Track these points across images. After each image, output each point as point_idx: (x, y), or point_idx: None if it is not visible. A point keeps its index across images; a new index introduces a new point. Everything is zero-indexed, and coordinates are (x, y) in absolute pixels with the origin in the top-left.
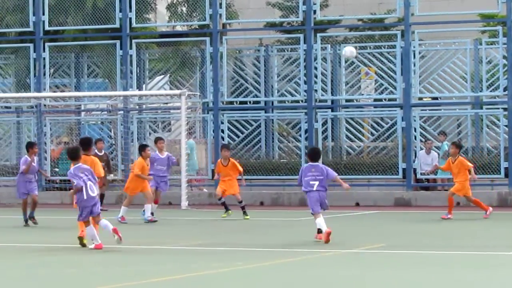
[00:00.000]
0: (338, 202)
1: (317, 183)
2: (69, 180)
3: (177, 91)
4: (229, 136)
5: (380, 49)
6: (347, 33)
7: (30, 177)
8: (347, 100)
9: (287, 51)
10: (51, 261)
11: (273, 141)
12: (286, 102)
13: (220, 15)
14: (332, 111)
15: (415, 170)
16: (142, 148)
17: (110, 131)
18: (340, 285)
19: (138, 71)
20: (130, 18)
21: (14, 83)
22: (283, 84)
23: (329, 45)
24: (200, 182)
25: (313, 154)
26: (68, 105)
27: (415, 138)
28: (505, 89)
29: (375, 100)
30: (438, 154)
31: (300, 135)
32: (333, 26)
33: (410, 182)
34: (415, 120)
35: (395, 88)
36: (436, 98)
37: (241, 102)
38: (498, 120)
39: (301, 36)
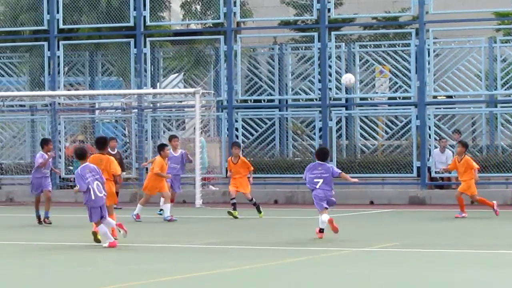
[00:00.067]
0: (353, 201)
1: (321, 181)
2: None
3: (191, 89)
4: (243, 135)
5: (394, 48)
6: (362, 31)
7: (46, 172)
8: (361, 99)
9: (301, 49)
10: (65, 259)
11: (287, 140)
12: (300, 100)
13: (234, 13)
14: (346, 109)
15: (429, 168)
16: (162, 147)
17: (124, 129)
18: (352, 284)
19: (152, 69)
20: (144, 17)
21: (28, 81)
22: (297, 82)
23: (343, 43)
24: (210, 180)
25: (321, 154)
26: (82, 104)
27: (430, 137)
28: None
29: (390, 98)
30: (453, 153)
31: (314, 134)
32: (347, 24)
33: (425, 180)
34: (429, 119)
35: (409, 86)
36: (450, 97)
37: (255, 101)
38: None
39: (315, 34)
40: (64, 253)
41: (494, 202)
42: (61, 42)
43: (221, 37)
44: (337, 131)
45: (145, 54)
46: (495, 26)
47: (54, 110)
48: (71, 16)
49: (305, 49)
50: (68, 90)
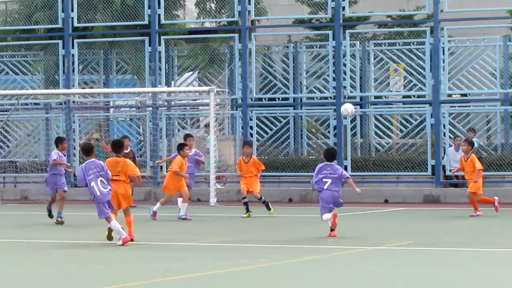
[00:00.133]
0: (367, 199)
1: (329, 181)
2: None
3: (205, 88)
4: (257, 133)
5: (409, 46)
6: (376, 30)
7: (61, 169)
8: (376, 97)
9: (316, 47)
10: (79, 258)
11: (301, 138)
12: (315, 98)
13: (249, 11)
14: (361, 107)
15: (444, 167)
16: (181, 147)
17: (139, 127)
18: (367, 282)
19: (166, 68)
20: (159, 15)
21: (43, 79)
22: (312, 80)
23: (358, 42)
24: (220, 179)
25: (329, 155)
26: (97, 102)
27: (444, 135)
28: None
29: (404, 96)
30: None
31: (329, 132)
32: (362, 22)
33: (439, 179)
34: (444, 117)
35: (424, 84)
36: (465, 95)
37: (269, 99)
38: None
39: (330, 32)
40: (78, 251)
41: (496, 198)
42: (75, 41)
43: (236, 35)
44: (351, 129)
45: (159, 52)
46: (510, 24)
47: (68, 108)
48: (86, 15)
49: (319, 47)
50: (83, 88)
